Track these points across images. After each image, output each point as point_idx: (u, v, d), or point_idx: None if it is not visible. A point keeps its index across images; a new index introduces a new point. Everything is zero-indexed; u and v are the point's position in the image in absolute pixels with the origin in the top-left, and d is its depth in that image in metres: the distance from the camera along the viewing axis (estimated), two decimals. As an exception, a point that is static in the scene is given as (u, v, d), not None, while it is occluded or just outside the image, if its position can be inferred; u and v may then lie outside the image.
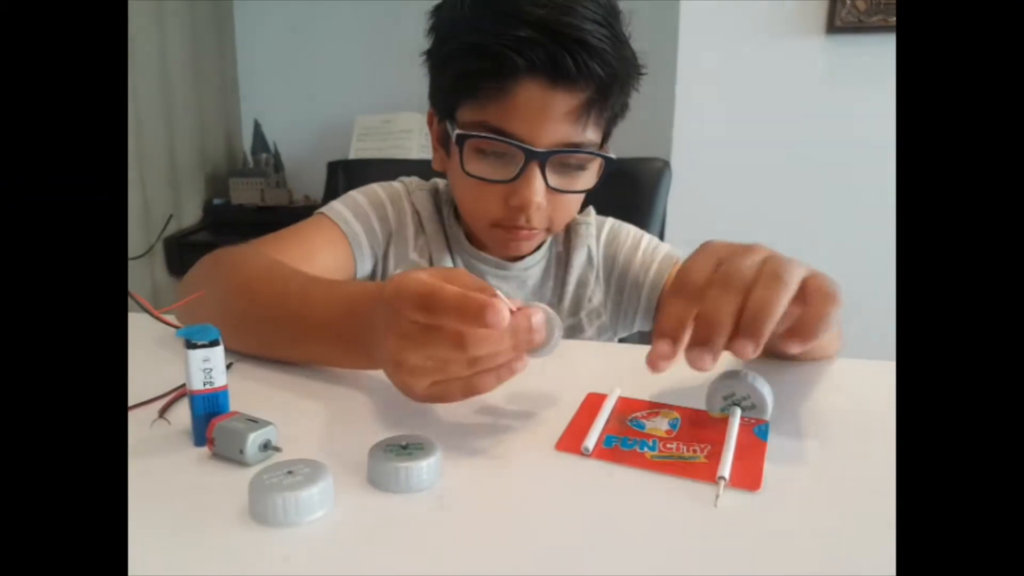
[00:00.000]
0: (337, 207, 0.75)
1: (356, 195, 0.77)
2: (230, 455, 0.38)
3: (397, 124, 2.02)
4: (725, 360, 0.56)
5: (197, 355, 0.40)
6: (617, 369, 0.53)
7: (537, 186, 0.65)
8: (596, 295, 0.79)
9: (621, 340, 0.83)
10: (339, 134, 2.12)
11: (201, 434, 0.40)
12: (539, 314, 0.39)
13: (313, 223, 0.74)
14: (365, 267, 0.75)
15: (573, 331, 0.78)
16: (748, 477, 0.38)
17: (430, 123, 0.74)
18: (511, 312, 0.37)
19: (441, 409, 0.46)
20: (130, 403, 0.45)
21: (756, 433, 0.42)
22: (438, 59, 0.67)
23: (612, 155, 0.68)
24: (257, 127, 2.17)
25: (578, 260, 0.78)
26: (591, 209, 0.81)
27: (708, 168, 1.62)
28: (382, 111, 2.06)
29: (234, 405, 0.41)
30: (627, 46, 0.65)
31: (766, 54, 1.58)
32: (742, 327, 0.37)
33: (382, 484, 0.36)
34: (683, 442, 0.41)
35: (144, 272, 1.88)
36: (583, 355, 0.60)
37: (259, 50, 2.27)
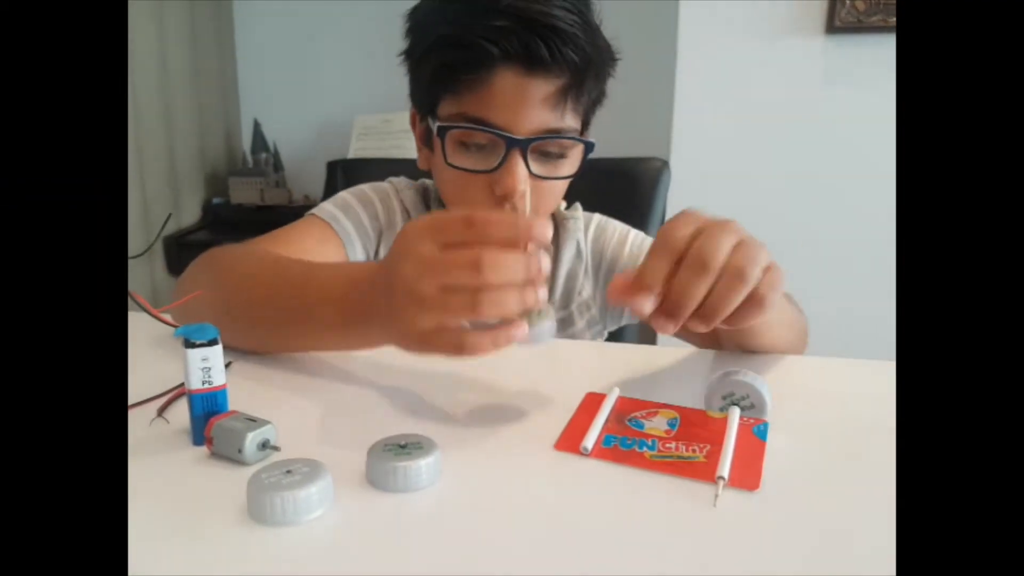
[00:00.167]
0: (327, 207, 0.76)
1: (345, 195, 0.78)
2: (229, 454, 0.38)
3: (396, 124, 2.02)
4: (725, 360, 0.56)
5: (195, 354, 0.40)
6: (616, 369, 0.53)
7: (520, 173, 0.65)
8: (586, 288, 0.80)
9: (612, 335, 0.84)
10: (339, 134, 2.12)
11: (200, 433, 0.40)
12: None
13: (304, 224, 0.74)
14: None
15: (564, 324, 0.79)
16: (747, 477, 0.38)
17: (413, 123, 0.75)
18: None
19: (441, 409, 0.46)
20: (129, 402, 0.45)
21: (755, 433, 0.42)
22: (416, 57, 0.69)
23: (593, 140, 0.69)
24: (257, 127, 2.16)
25: (567, 254, 0.79)
26: (578, 205, 0.82)
27: (707, 168, 1.62)
28: (381, 111, 2.06)
29: (233, 404, 0.41)
30: (599, 33, 0.67)
31: (765, 54, 1.58)
32: (702, 313, 0.43)
33: (381, 483, 0.36)
34: (682, 442, 0.41)
35: (143, 271, 1.88)
36: (582, 355, 0.60)
37: (259, 50, 2.27)
